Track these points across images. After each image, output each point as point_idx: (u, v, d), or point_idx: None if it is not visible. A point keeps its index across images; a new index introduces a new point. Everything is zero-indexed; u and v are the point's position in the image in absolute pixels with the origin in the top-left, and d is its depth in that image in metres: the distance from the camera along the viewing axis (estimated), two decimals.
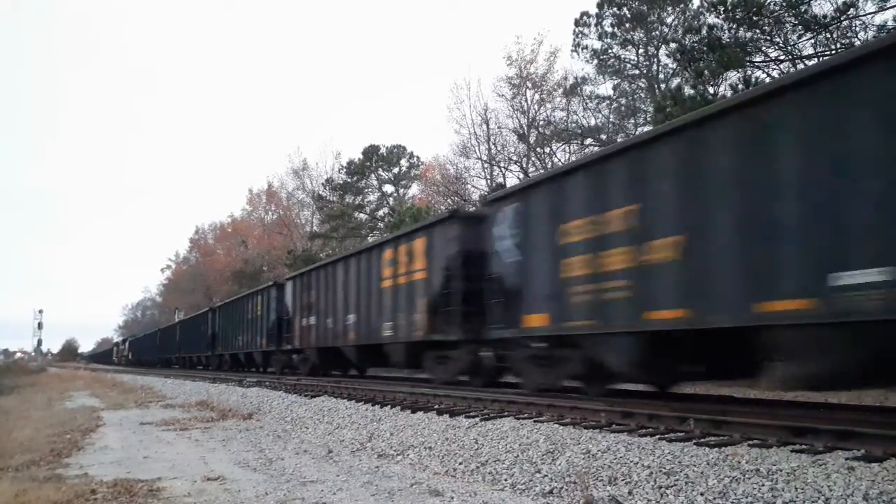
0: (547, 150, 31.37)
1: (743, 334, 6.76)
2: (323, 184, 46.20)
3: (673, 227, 7.33)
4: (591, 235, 8.40)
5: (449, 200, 33.11)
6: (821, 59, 15.95)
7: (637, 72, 29.12)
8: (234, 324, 28.21)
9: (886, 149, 5.46)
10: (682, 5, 25.44)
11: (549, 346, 9.50)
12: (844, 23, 16.59)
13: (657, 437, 6.19)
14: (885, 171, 5.47)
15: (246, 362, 27.47)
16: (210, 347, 32.53)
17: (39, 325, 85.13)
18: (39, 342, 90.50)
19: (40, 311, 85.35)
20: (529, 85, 31.55)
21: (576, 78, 29.95)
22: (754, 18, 16.63)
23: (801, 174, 6.10)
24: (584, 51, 28.37)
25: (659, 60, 27.90)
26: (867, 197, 5.57)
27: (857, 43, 15.74)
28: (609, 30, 27.83)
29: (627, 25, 27.66)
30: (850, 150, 5.73)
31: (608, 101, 29.83)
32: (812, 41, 17.31)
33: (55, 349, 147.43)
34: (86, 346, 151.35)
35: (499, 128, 32.40)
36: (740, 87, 16.60)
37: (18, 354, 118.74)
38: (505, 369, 11.41)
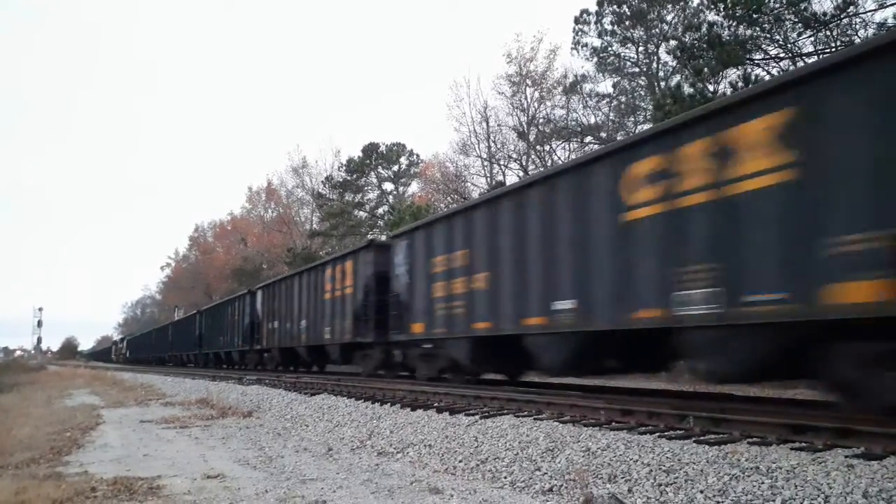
0: (547, 147, 31.39)
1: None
2: (323, 182, 46.22)
3: (485, 266, 10.73)
4: (446, 268, 11.89)
5: (449, 198, 33.10)
6: (821, 56, 15.94)
7: (637, 69, 29.13)
8: (217, 326, 31.44)
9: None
10: (682, 3, 25.43)
11: (431, 347, 12.71)
12: (844, 20, 16.58)
13: (657, 434, 6.19)
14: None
15: (226, 360, 30.66)
16: (197, 346, 35.47)
17: (39, 323, 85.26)
18: (39, 340, 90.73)
19: (40, 309, 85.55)
20: (529, 83, 31.58)
21: (576, 76, 29.99)
22: (754, 16, 16.63)
23: (537, 232, 9.52)
24: (584, 48, 28.41)
25: (659, 58, 27.92)
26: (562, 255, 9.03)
27: (857, 40, 15.74)
28: (609, 27, 27.86)
29: (627, 23, 27.65)
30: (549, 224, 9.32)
31: (608, 99, 29.86)
32: (812, 39, 17.32)
33: (55, 347, 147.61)
34: (86, 344, 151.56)
35: (498, 125, 32.45)
36: (740, 84, 16.60)
37: (18, 352, 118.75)
38: (405, 363, 14.46)
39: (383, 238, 21.20)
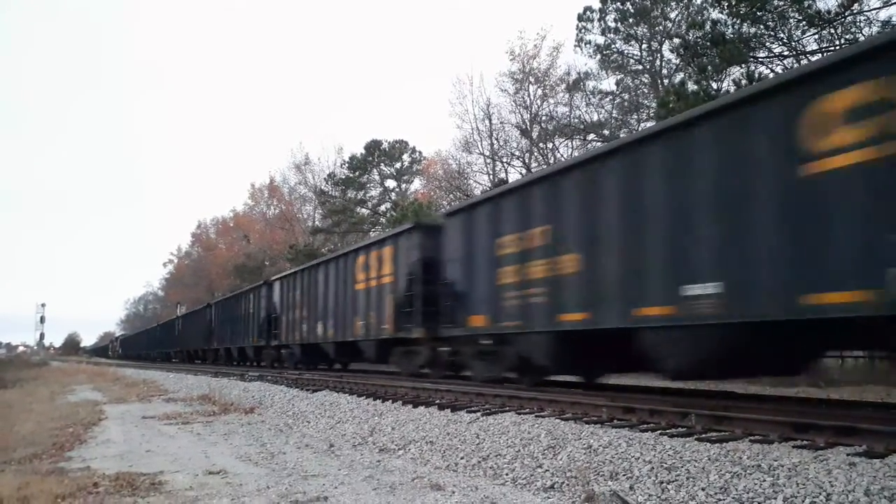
0: (549, 145, 31.35)
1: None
2: (325, 179, 46.19)
3: (577, 245, 8.82)
4: (519, 249, 9.95)
5: (451, 196, 33.08)
6: (825, 54, 15.90)
7: (640, 67, 29.04)
8: (230, 320, 29.26)
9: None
10: (685, 0, 25.35)
11: (493, 343, 10.79)
12: (849, 18, 16.52)
13: (658, 432, 6.19)
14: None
15: (239, 356, 28.43)
16: (207, 342, 33.33)
17: (42, 320, 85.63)
18: (42, 336, 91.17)
19: (43, 306, 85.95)
20: (532, 80, 31.53)
21: (579, 73, 29.93)
22: (758, 13, 16.56)
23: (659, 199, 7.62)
24: (588, 46, 28.32)
25: (662, 56, 27.85)
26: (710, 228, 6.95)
27: (861, 38, 15.69)
28: (612, 25, 27.75)
29: (631, 20, 27.56)
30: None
31: (611, 97, 29.77)
32: (816, 36, 17.26)
33: (58, 343, 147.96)
34: (88, 341, 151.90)
35: (501, 123, 32.38)
36: (743, 82, 16.55)
37: (21, 348, 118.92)
38: (457, 362, 12.57)
39: (435, 217, 19.57)
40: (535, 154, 31.39)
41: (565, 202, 9.05)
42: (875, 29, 16.10)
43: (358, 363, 19.25)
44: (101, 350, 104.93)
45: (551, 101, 31.39)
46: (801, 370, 9.38)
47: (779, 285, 6.23)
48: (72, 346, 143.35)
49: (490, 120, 32.61)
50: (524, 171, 30.40)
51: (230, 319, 29.17)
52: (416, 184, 45.59)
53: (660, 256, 7.49)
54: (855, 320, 5.92)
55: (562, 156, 29.74)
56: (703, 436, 5.87)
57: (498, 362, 10.85)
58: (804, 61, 16.40)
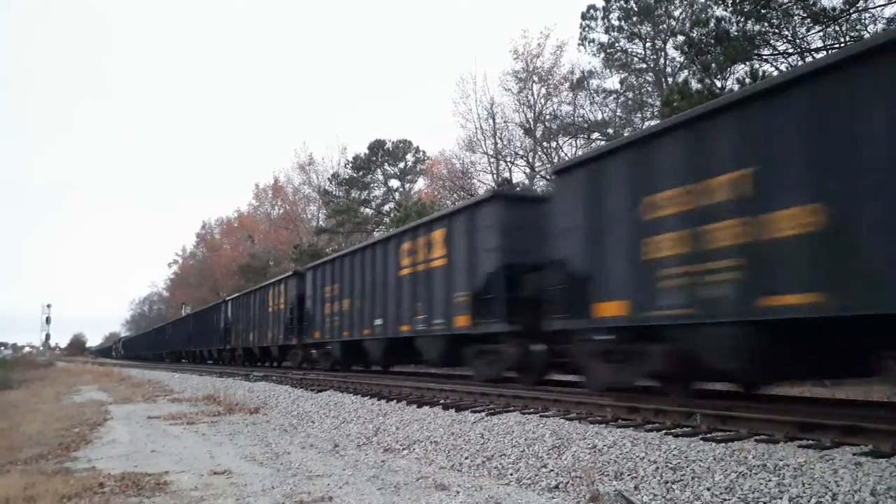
0: (553, 144, 31.29)
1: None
2: (329, 179, 46.22)
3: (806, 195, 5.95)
4: (681, 209, 7.25)
5: (455, 195, 33.07)
6: (829, 51, 15.83)
7: (644, 65, 28.98)
8: (250, 317, 26.94)
9: None
10: None
11: (619, 340, 8.26)
12: (854, 15, 16.45)
13: (663, 432, 6.17)
14: None
15: (261, 356, 26.32)
16: (223, 341, 31.47)
17: (47, 320, 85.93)
18: (47, 337, 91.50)
19: (48, 306, 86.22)
20: (536, 79, 31.47)
21: (582, 72, 29.85)
22: (762, 11, 16.51)
23: None
24: (591, 44, 28.25)
25: (666, 54, 27.78)
26: None
27: (867, 35, 15.62)
28: (616, 23, 27.70)
29: (634, 19, 27.50)
30: None
31: (615, 95, 29.70)
32: (821, 34, 17.20)
33: (63, 344, 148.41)
34: (94, 341, 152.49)
35: (505, 122, 32.32)
36: (747, 80, 16.50)
37: (27, 349, 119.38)
38: (560, 365, 10.14)
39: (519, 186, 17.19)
40: (539, 153, 31.37)
41: (785, 130, 6.22)
42: (880, 26, 16.04)
43: (404, 364, 16.62)
44: (106, 351, 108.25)
45: (555, 99, 31.35)
46: None
47: None
48: (77, 346, 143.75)
49: (494, 119, 32.58)
50: (528, 170, 30.41)
51: (250, 316, 26.81)
52: (420, 183, 45.62)
53: None
54: None
55: (565, 155, 29.71)
56: (708, 435, 5.86)
57: (635, 365, 8.14)
58: (809, 59, 16.34)
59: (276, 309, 23.32)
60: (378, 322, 14.87)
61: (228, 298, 32.28)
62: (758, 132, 6.44)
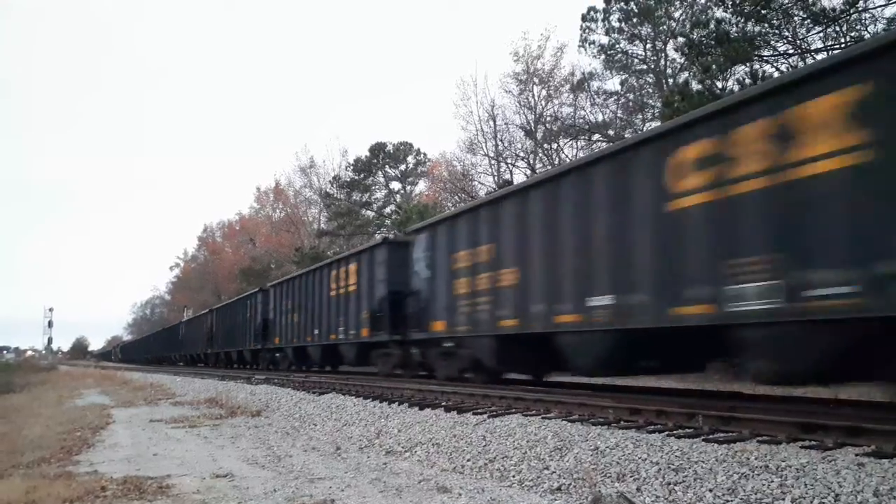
0: (554, 146, 31.30)
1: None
2: (330, 181, 46.28)
3: (514, 259, 10.22)
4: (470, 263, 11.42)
5: (456, 197, 33.08)
6: (831, 52, 15.83)
7: (645, 67, 28.97)
8: (229, 325, 30.56)
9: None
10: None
11: (448, 346, 12.37)
12: (853, 16, 16.45)
13: (665, 433, 6.17)
14: None
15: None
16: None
17: (50, 324, 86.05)
18: (50, 340, 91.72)
19: (50, 310, 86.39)
20: (536, 81, 31.53)
21: (583, 73, 29.86)
22: (762, 12, 16.52)
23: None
24: (592, 46, 28.24)
25: (667, 55, 27.77)
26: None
27: (867, 36, 15.62)
28: (616, 25, 27.69)
29: (635, 20, 27.50)
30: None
31: (616, 97, 29.69)
32: (821, 35, 17.20)
33: (65, 347, 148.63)
34: (96, 344, 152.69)
35: (506, 124, 32.37)
36: (747, 81, 16.50)
37: (29, 353, 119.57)
38: (423, 363, 14.07)
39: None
40: (540, 155, 31.38)
41: (504, 225, 10.47)
42: (880, 26, 16.03)
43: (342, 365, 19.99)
44: (107, 355, 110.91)
45: (556, 101, 31.40)
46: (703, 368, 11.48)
47: None
48: (80, 350, 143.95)
49: (494, 121, 32.62)
50: (529, 173, 30.39)
51: (229, 325, 30.64)
52: (421, 185, 45.68)
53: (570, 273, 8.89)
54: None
55: (566, 156, 29.71)
56: (711, 437, 5.85)
57: (456, 362, 12.30)
58: (809, 60, 16.34)
59: (251, 316, 27.48)
60: (315, 332, 19.79)
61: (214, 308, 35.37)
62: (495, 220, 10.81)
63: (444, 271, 12.22)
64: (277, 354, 24.22)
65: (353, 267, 17.26)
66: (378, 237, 23.24)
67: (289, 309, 22.47)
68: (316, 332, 19.65)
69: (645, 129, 27.18)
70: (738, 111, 6.63)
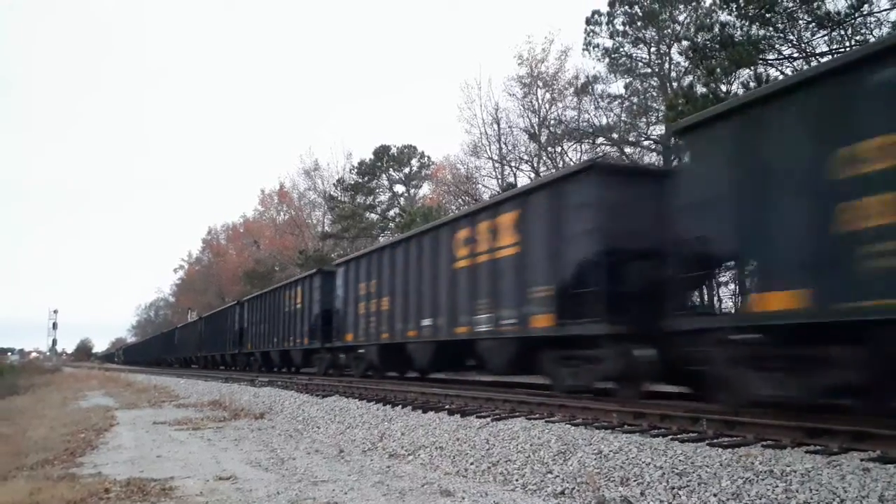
0: (558, 149, 31.30)
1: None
2: (334, 184, 46.37)
3: (387, 291, 15.15)
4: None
5: (460, 200, 33.09)
6: (834, 55, 15.79)
7: (649, 70, 28.95)
8: (266, 319, 26.00)
9: None
10: (694, 3, 25.28)
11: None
12: (858, 19, 16.43)
13: (669, 437, 6.15)
14: None
15: (280, 362, 24.75)
16: (237, 345, 30.36)
17: (54, 326, 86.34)
18: (54, 342, 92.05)
19: (55, 312, 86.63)
20: (540, 84, 31.50)
21: (587, 77, 29.83)
22: (767, 15, 16.51)
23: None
24: (596, 49, 28.24)
25: (671, 59, 27.75)
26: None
27: (872, 39, 15.59)
28: (621, 28, 27.68)
29: (639, 24, 27.50)
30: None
31: (620, 100, 29.67)
32: (826, 38, 17.17)
33: (70, 349, 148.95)
34: (101, 346, 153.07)
35: (510, 127, 32.37)
36: (752, 84, 16.48)
37: (33, 354, 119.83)
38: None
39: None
40: (544, 158, 31.37)
41: (384, 267, 15.36)
42: (885, 30, 16.00)
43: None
44: (110, 357, 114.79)
45: (560, 105, 31.36)
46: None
47: None
48: (84, 351, 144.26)
49: (498, 124, 32.62)
50: (532, 176, 30.38)
51: (267, 319, 25.84)
52: (425, 188, 45.73)
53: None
54: None
55: (570, 160, 29.69)
56: (715, 441, 5.83)
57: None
58: (814, 63, 16.31)
59: (230, 324, 31.81)
60: (275, 339, 23.02)
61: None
62: (376, 266, 16.45)
63: (352, 297, 16.93)
64: (250, 358, 28.64)
65: (299, 289, 21.61)
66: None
67: (258, 320, 26.99)
68: (275, 339, 24.03)
69: (649, 132, 27.26)
70: (478, 214, 11.95)
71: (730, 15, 17.27)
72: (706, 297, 7.96)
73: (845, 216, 5.80)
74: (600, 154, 19.08)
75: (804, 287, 6.13)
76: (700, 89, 17.62)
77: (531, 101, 31.53)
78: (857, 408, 6.39)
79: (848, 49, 15.96)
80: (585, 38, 28.26)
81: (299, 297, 21.46)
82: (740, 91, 16.73)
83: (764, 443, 5.65)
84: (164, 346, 54.56)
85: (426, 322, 13.30)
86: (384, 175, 45.46)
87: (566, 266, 9.34)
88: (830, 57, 15.95)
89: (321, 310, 19.25)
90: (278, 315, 23.79)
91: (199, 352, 39.73)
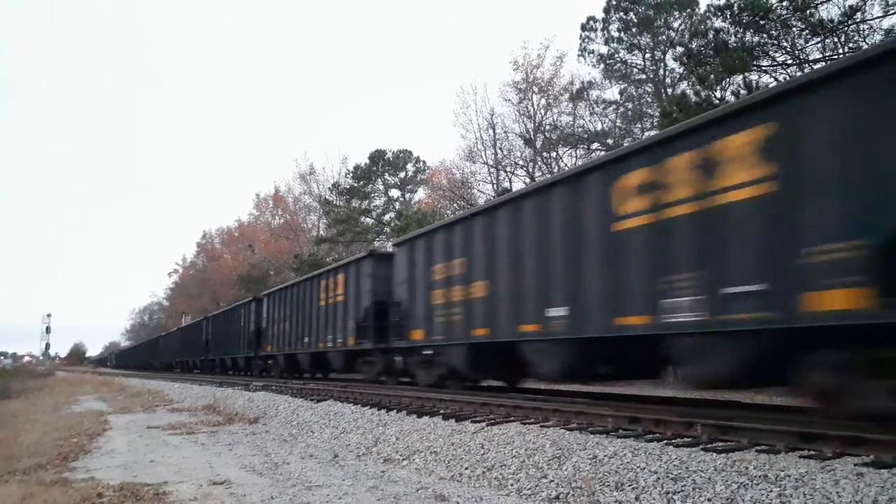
0: (553, 154, 31.37)
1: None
2: (329, 188, 46.35)
3: (483, 272, 11.09)
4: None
5: (455, 205, 33.12)
6: (828, 62, 15.90)
7: (644, 76, 29.10)
8: (292, 316, 27.25)
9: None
10: (688, 9, 25.44)
11: (427, 355, 12.95)
12: (851, 27, 16.54)
13: (664, 442, 6.15)
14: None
15: (311, 365, 25.48)
16: (253, 347, 30.49)
17: (47, 330, 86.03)
18: (47, 346, 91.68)
19: (48, 316, 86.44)
20: (536, 89, 31.61)
21: (582, 82, 30.00)
22: (761, 22, 16.60)
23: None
24: (591, 55, 28.42)
25: (665, 65, 27.92)
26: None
27: (865, 46, 15.69)
28: (616, 34, 27.88)
29: (634, 30, 27.66)
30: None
31: (615, 106, 29.82)
32: (819, 45, 17.27)
33: (63, 353, 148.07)
34: (94, 350, 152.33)
35: (505, 132, 32.45)
36: (742, 92, 16.56)
37: (26, 358, 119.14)
38: (405, 370, 14.45)
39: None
40: (539, 163, 31.43)
41: (475, 241, 11.42)
42: (878, 37, 16.11)
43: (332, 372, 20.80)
44: (103, 361, 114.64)
45: (555, 110, 31.48)
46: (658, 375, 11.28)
47: None
48: (77, 355, 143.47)
49: (494, 129, 32.70)
50: (528, 181, 30.43)
51: (225, 332, 31.18)
52: (421, 193, 45.76)
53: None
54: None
55: (565, 165, 29.75)
56: (709, 446, 5.83)
57: (434, 369, 12.94)
58: (807, 69, 16.40)
59: (245, 324, 28.87)
60: (306, 340, 20.52)
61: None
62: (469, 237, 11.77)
63: (422, 283, 13.03)
64: (268, 361, 25.07)
65: (341, 278, 17.95)
66: (375, 246, 25.47)
67: (280, 318, 23.31)
68: (306, 340, 20.47)
69: (644, 137, 27.30)
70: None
71: (724, 21, 17.36)
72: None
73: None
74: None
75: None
76: (693, 97, 17.69)
77: (527, 107, 31.65)
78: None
79: (841, 56, 16.06)
80: (581, 44, 28.45)
81: (340, 287, 17.71)
82: (732, 98, 16.80)
83: (758, 447, 5.66)
84: (151, 352, 57.26)
85: (556, 312, 9.38)
86: (379, 179, 45.47)
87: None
88: (824, 63, 16.05)
89: (372, 301, 15.53)
90: (309, 310, 20.25)
91: (192, 356, 39.71)
